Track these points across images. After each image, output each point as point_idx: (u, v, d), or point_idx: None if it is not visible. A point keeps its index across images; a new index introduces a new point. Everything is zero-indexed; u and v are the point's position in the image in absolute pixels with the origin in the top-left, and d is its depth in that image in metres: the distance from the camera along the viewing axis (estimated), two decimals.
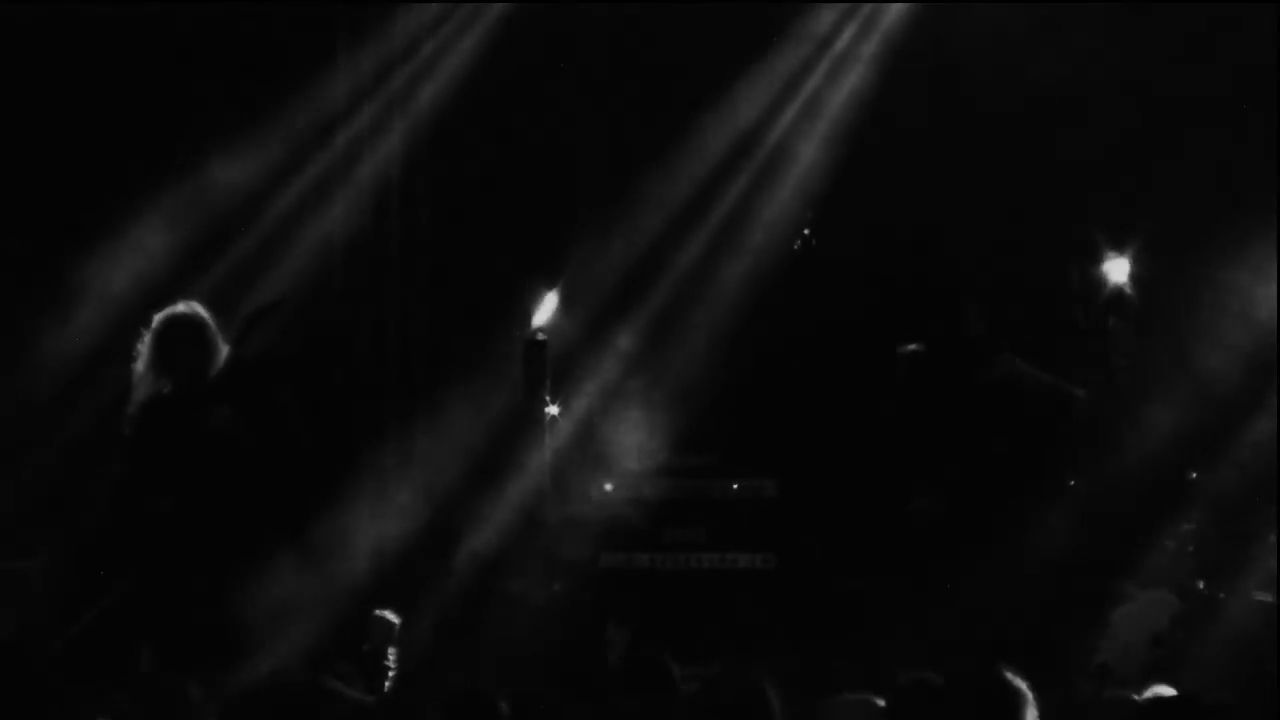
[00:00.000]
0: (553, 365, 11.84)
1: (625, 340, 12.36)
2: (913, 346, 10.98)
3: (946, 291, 11.02)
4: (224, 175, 12.02)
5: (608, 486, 11.95)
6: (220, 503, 9.40)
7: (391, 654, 9.63)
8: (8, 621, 10.71)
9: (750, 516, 11.85)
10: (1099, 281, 11.33)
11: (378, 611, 9.98)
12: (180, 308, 9.67)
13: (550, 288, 11.79)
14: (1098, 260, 11.30)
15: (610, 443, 12.09)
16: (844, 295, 12.03)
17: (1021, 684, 6.86)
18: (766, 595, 11.64)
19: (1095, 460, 11.03)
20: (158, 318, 9.62)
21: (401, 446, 12.30)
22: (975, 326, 10.84)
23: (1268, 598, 10.43)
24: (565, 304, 11.99)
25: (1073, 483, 10.98)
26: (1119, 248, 11.21)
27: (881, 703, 7.41)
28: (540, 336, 11.84)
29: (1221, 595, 10.64)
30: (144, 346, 9.57)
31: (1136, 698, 7.52)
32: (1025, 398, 10.75)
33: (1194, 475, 11.20)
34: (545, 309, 11.69)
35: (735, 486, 11.92)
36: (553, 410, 11.79)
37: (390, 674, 9.42)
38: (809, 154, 12.48)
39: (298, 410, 10.08)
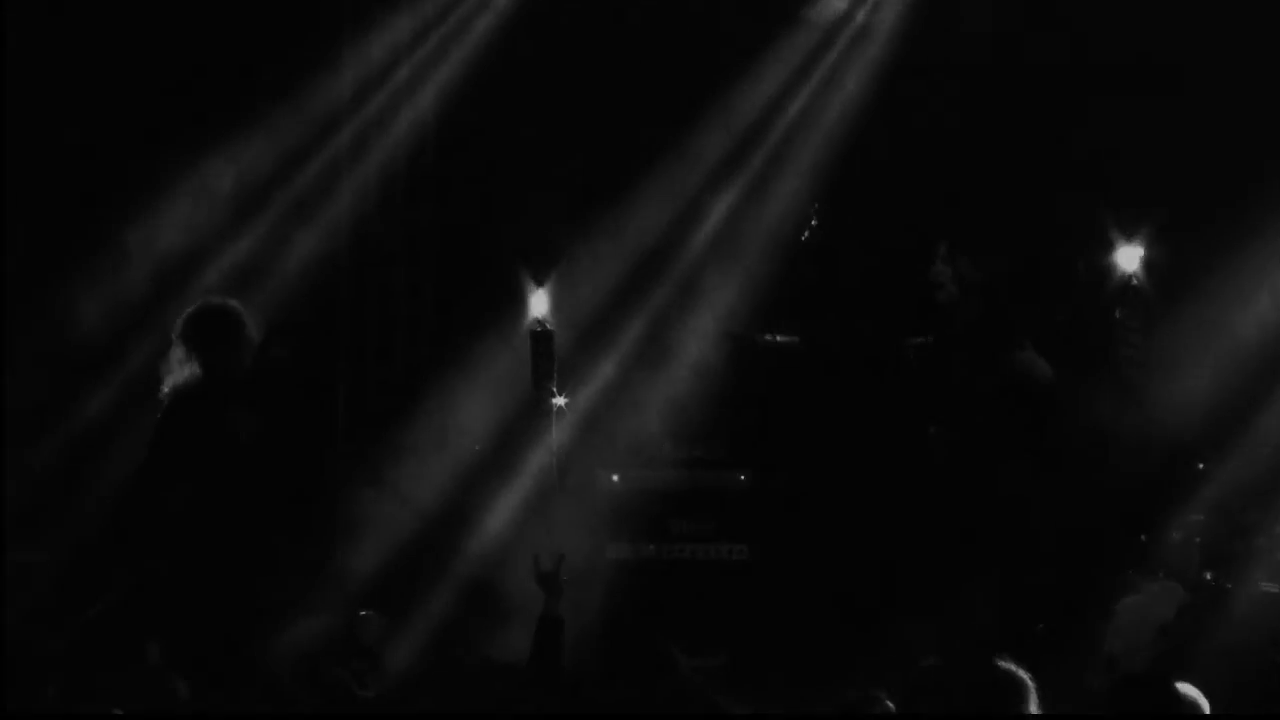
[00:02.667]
0: (560, 356, 11.85)
1: (632, 331, 12.37)
2: (920, 339, 10.99)
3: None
4: (229, 167, 12.05)
5: (615, 477, 11.95)
6: (234, 501, 9.41)
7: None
8: (19, 612, 10.73)
9: (757, 508, 11.86)
10: (1108, 272, 11.32)
11: (365, 611, 10.02)
12: (214, 300, 9.65)
13: (544, 281, 11.80)
14: (1108, 249, 11.28)
15: (617, 434, 12.10)
16: (851, 286, 12.03)
17: (1023, 675, 6.85)
18: (773, 586, 11.64)
19: (1102, 450, 11.03)
20: (190, 309, 9.60)
21: (408, 438, 12.31)
22: (962, 278, 10.85)
23: (1275, 589, 10.41)
24: (570, 295, 12.00)
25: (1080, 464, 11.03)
26: (1131, 235, 11.18)
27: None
28: (547, 327, 11.84)
29: (1229, 586, 10.61)
30: (177, 333, 9.55)
31: None
32: (1026, 400, 10.74)
33: (1202, 466, 11.19)
34: (542, 301, 11.71)
35: (742, 478, 11.93)
36: (560, 401, 11.79)
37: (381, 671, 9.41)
38: (815, 145, 12.48)
39: (315, 422, 10.11)
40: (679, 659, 7.66)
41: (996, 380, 10.76)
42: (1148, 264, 11.25)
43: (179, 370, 9.44)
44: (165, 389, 9.44)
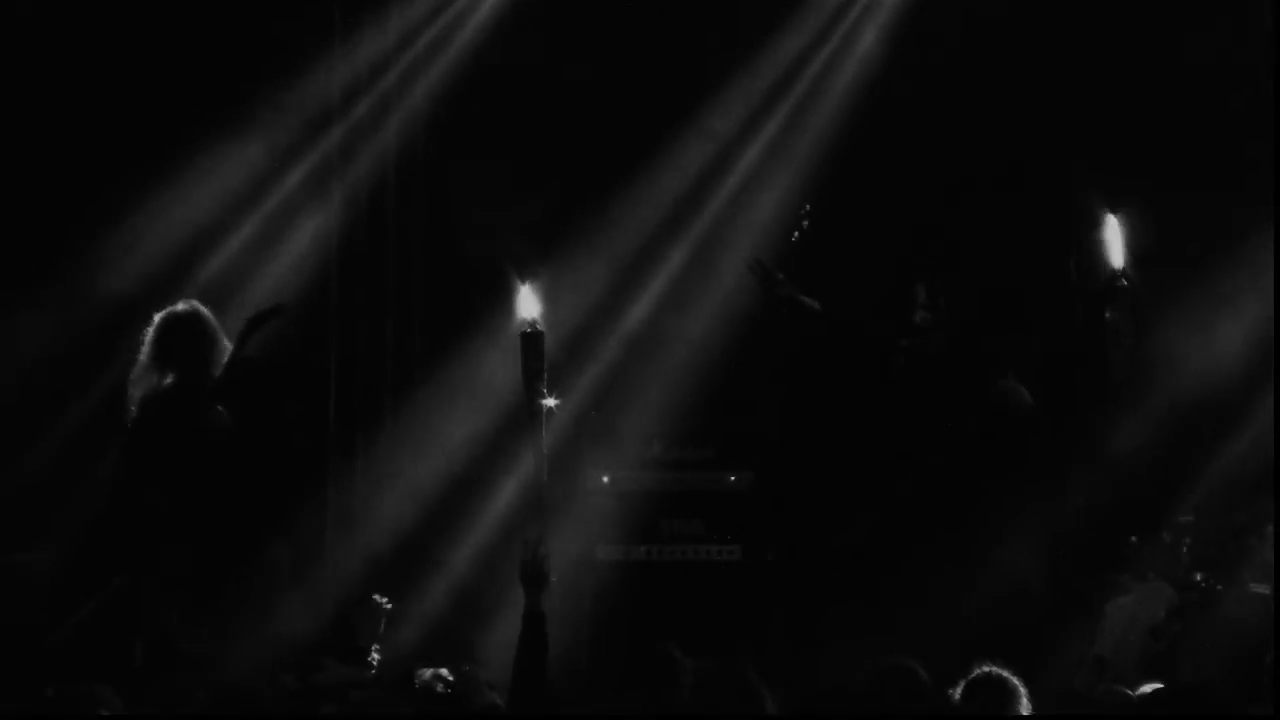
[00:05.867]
0: (549, 357, 11.84)
1: (622, 332, 12.38)
2: (907, 342, 10.99)
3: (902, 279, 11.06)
4: (220, 168, 12.03)
5: (605, 479, 11.96)
6: (214, 500, 9.43)
7: (375, 651, 9.66)
8: (8, 614, 10.73)
9: (747, 509, 11.87)
10: (1096, 270, 11.30)
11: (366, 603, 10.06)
12: (181, 306, 9.74)
13: (534, 282, 11.81)
14: (1097, 245, 11.26)
15: (607, 435, 12.11)
16: (841, 287, 12.02)
17: (1013, 678, 6.87)
18: (763, 588, 11.65)
19: (1093, 451, 11.04)
20: (158, 316, 9.68)
21: (396, 440, 12.32)
22: (922, 314, 10.87)
23: (1264, 590, 10.43)
24: (560, 295, 11.99)
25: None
26: (1116, 212, 11.17)
27: None
28: (537, 328, 11.82)
29: (1218, 587, 10.64)
30: (145, 343, 9.63)
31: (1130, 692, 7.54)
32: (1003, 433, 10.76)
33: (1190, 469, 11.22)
34: (529, 302, 11.71)
35: (732, 479, 11.94)
36: (550, 402, 11.77)
37: (374, 663, 9.43)
38: (805, 146, 12.50)
39: (296, 415, 10.12)
40: (682, 661, 7.69)
41: (973, 412, 10.78)
42: (1137, 260, 11.24)
43: (148, 378, 9.50)
44: (135, 396, 9.50)
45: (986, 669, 6.91)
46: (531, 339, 11.76)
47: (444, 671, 8.19)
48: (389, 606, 10.27)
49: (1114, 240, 11.12)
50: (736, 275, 11.72)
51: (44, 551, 11.12)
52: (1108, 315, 10.96)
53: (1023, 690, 6.96)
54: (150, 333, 9.66)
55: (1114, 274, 11.00)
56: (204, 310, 9.72)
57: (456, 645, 11.22)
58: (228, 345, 9.59)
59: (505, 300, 12.04)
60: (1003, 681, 6.88)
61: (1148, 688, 7.89)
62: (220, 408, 9.59)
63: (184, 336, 9.58)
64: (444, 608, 11.74)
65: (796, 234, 11.79)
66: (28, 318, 11.68)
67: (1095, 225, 11.18)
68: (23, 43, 11.79)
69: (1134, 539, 11.07)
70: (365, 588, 11.39)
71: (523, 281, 11.47)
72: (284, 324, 10.10)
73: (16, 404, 11.75)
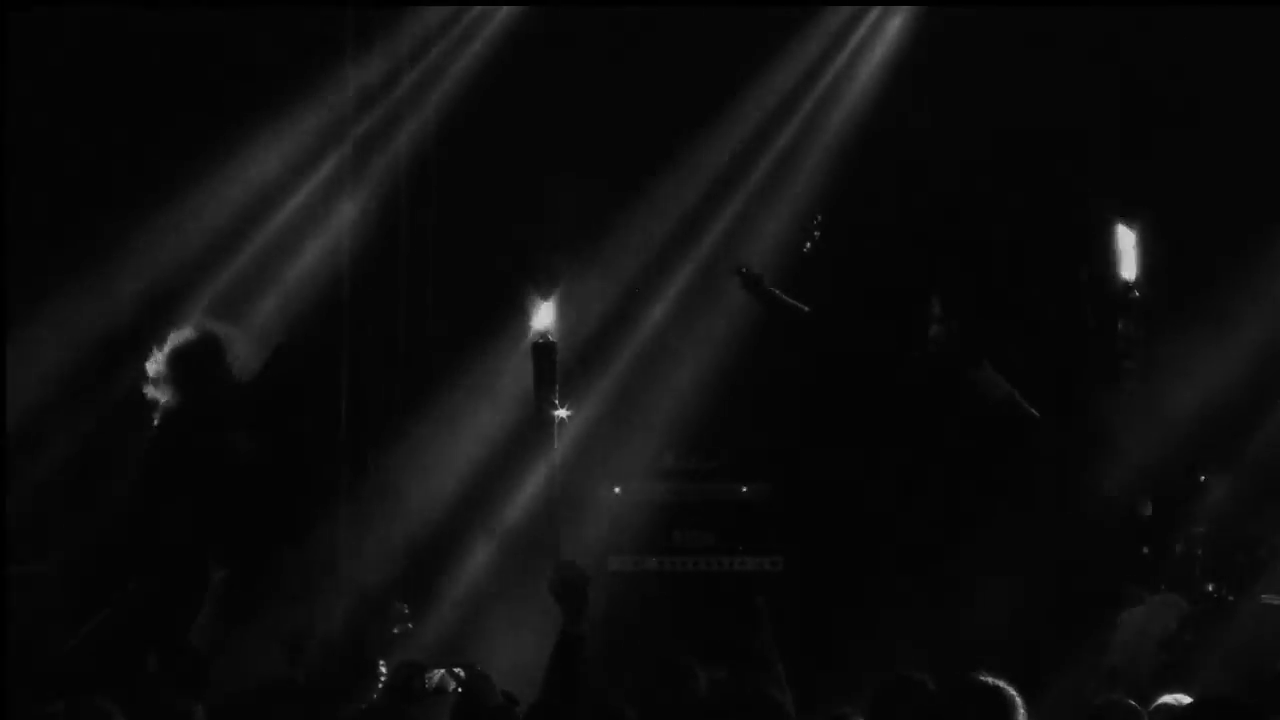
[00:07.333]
0: (561, 368, 11.86)
1: (633, 342, 12.39)
2: (917, 352, 10.99)
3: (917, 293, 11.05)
4: (233, 178, 12.05)
5: (616, 489, 11.97)
6: (229, 512, 9.45)
7: (382, 664, 9.65)
8: (21, 624, 10.73)
9: (758, 519, 11.87)
10: (1107, 280, 11.30)
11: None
12: (193, 331, 9.73)
13: (548, 294, 11.81)
14: (1111, 253, 11.25)
15: (619, 445, 12.12)
16: (852, 297, 12.04)
17: (1009, 690, 6.82)
18: (774, 598, 11.63)
19: (1102, 466, 11.04)
20: (172, 337, 9.68)
21: (408, 452, 12.32)
22: (936, 329, 10.87)
23: (1276, 601, 10.41)
24: (572, 305, 12.01)
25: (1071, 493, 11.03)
26: (1128, 221, 11.14)
27: None
28: (549, 338, 11.84)
29: (1230, 598, 10.62)
30: (160, 365, 9.63)
31: (1136, 704, 7.51)
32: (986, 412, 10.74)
33: (1203, 478, 11.19)
34: (545, 314, 11.72)
35: (744, 489, 11.94)
36: (562, 413, 11.79)
37: (382, 674, 9.41)
38: (816, 155, 12.50)
39: (312, 437, 10.13)
40: (698, 671, 7.67)
41: (950, 401, 10.78)
42: (1150, 271, 11.23)
43: (165, 398, 9.52)
44: (155, 410, 9.51)
45: (983, 678, 6.84)
46: (543, 350, 11.81)
47: (458, 670, 8.17)
48: (406, 612, 10.27)
49: (1127, 251, 11.13)
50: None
51: (54, 561, 11.13)
52: (1119, 325, 10.98)
53: (1019, 701, 6.89)
54: (163, 358, 9.64)
55: (1126, 285, 11.00)
56: (216, 329, 9.71)
57: (467, 655, 11.22)
58: (238, 358, 9.59)
59: (518, 311, 12.09)
60: (998, 691, 6.79)
61: (1167, 698, 7.84)
62: (238, 430, 9.57)
63: (196, 359, 9.58)
64: (455, 618, 11.73)
65: (808, 245, 11.80)
66: (51, 320, 11.70)
67: (1108, 236, 11.19)
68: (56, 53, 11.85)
69: (1146, 550, 11.06)
70: (376, 599, 11.41)
71: (540, 295, 11.48)
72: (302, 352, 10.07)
73: (31, 414, 11.75)
